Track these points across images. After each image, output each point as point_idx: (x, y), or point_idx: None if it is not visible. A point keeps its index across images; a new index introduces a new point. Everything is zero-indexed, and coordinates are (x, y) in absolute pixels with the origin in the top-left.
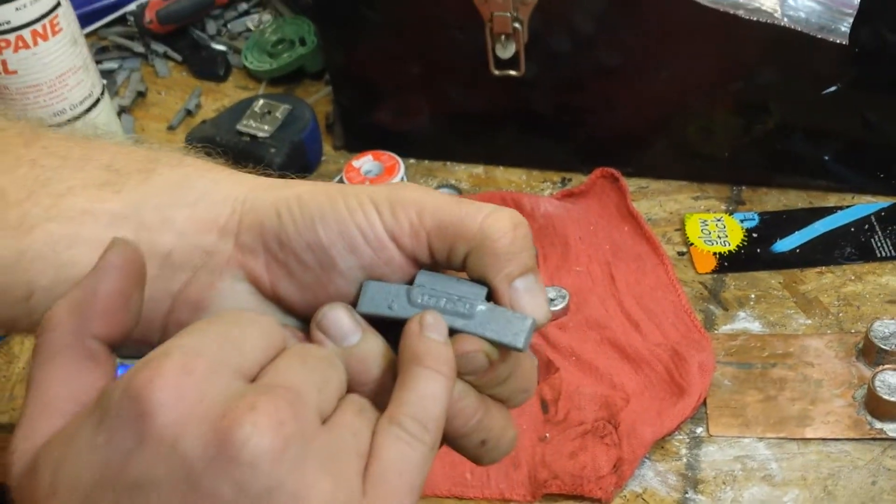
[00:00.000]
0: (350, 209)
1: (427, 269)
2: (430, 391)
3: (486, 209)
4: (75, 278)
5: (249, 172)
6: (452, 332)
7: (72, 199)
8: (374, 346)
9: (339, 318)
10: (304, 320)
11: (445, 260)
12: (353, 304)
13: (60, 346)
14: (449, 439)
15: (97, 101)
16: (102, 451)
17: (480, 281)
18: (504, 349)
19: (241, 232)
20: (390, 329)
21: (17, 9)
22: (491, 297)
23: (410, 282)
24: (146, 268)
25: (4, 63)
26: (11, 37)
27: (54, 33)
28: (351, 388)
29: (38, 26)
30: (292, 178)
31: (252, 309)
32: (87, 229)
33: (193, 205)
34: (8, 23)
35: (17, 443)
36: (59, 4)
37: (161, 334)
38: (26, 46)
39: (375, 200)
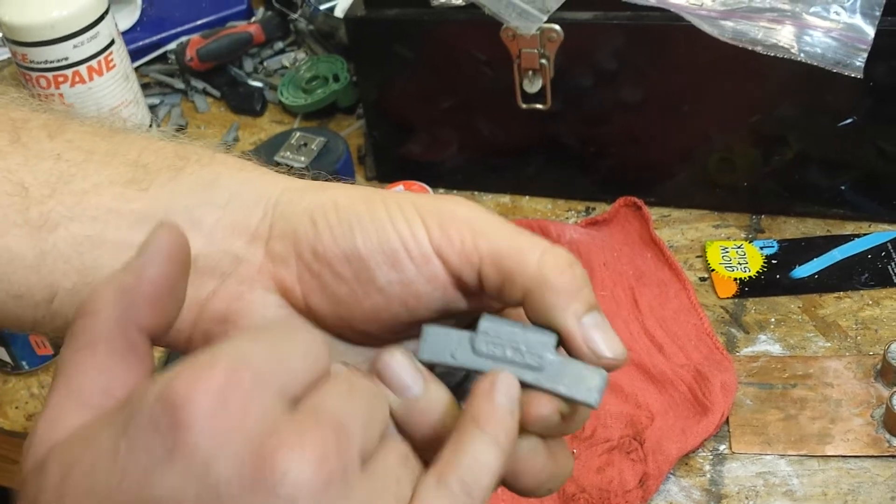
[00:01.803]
0: (393, 219)
1: (490, 314)
2: (485, 459)
3: (542, 245)
4: (99, 282)
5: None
6: (522, 384)
7: (96, 197)
8: (435, 399)
9: (400, 368)
10: (336, 335)
11: (496, 292)
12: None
13: (101, 333)
14: (514, 491)
15: None
16: (123, 460)
17: (543, 323)
18: (576, 404)
19: (273, 239)
20: (448, 375)
21: (74, 46)
22: (559, 344)
23: (471, 326)
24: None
25: (62, 97)
26: (69, 72)
27: (108, 69)
28: (398, 429)
29: (93, 62)
30: (327, 180)
31: (283, 322)
32: (112, 230)
33: (223, 206)
34: (66, 59)
35: (38, 430)
36: (113, 42)
37: (186, 345)
38: (82, 81)
39: (422, 212)
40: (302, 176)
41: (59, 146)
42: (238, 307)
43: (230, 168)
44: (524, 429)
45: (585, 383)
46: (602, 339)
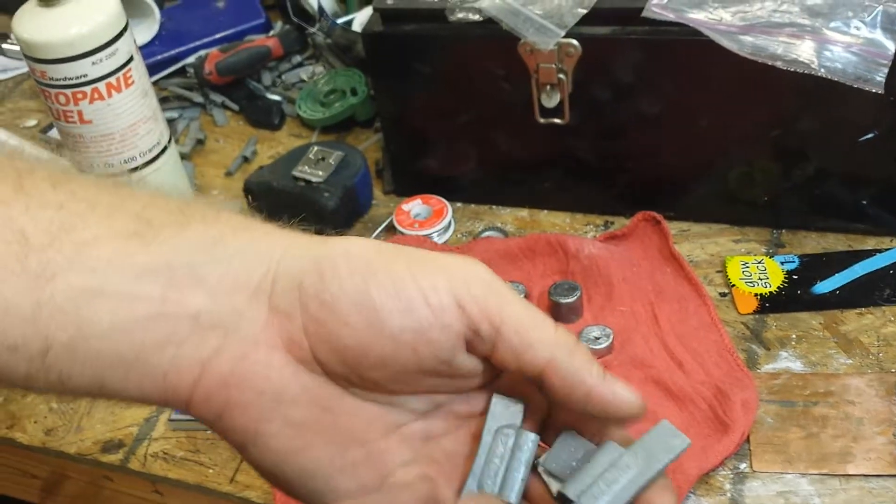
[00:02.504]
0: (413, 273)
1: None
2: None
3: (551, 319)
4: (97, 336)
5: (291, 228)
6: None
7: (97, 248)
8: None
9: None
10: (345, 383)
11: (512, 358)
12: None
13: None
14: None
15: (164, 148)
16: None
17: (568, 385)
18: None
19: (276, 294)
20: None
21: (93, 63)
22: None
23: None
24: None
25: (80, 114)
26: (88, 89)
27: (127, 86)
28: None
29: (112, 79)
30: (334, 235)
31: (288, 383)
32: (111, 283)
33: (227, 264)
34: (85, 76)
35: None
36: (132, 59)
37: (186, 406)
38: (101, 98)
39: (445, 266)
40: (306, 230)
41: (63, 196)
42: (241, 369)
43: (235, 227)
44: None
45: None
46: (623, 387)
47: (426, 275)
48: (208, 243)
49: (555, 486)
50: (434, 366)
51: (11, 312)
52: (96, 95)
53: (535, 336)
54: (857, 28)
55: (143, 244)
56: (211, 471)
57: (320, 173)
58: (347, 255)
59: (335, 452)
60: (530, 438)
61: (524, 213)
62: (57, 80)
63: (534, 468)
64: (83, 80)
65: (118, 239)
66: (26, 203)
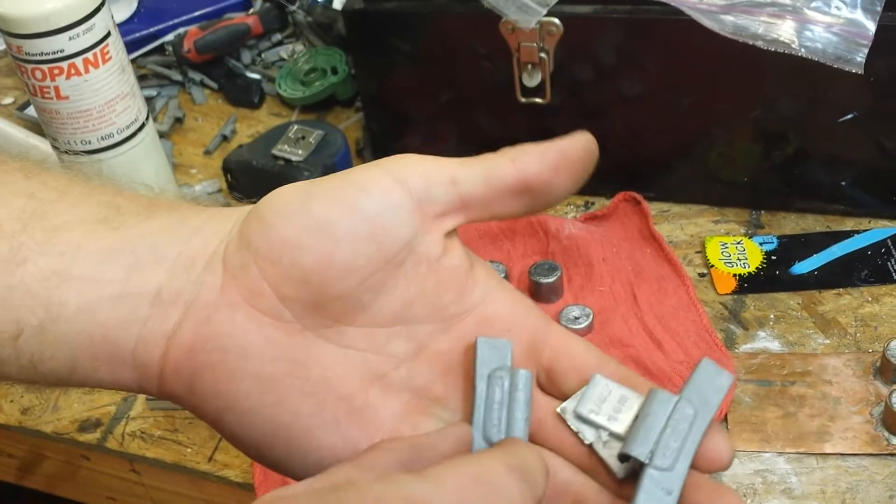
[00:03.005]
0: (344, 177)
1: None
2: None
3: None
4: (65, 318)
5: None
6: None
7: (67, 233)
8: None
9: None
10: (326, 319)
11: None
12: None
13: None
14: None
15: (142, 125)
16: None
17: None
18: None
19: (227, 256)
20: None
21: (70, 38)
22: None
23: None
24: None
25: (57, 89)
26: (65, 64)
27: (104, 62)
28: None
29: (89, 55)
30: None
31: (254, 338)
32: (79, 266)
33: (186, 241)
34: (62, 51)
35: None
36: (109, 34)
37: (159, 384)
38: (78, 74)
39: (376, 163)
40: None
41: (34, 186)
42: (204, 332)
43: (195, 210)
44: None
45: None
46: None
47: (359, 173)
48: (172, 225)
49: (589, 434)
50: (397, 252)
51: None
52: (73, 71)
53: (495, 182)
54: (838, 8)
55: (110, 229)
56: (189, 450)
57: (300, 152)
58: (278, 193)
59: (313, 406)
60: (524, 376)
61: None
62: (33, 55)
63: (558, 416)
64: (60, 55)
65: (87, 224)
66: None
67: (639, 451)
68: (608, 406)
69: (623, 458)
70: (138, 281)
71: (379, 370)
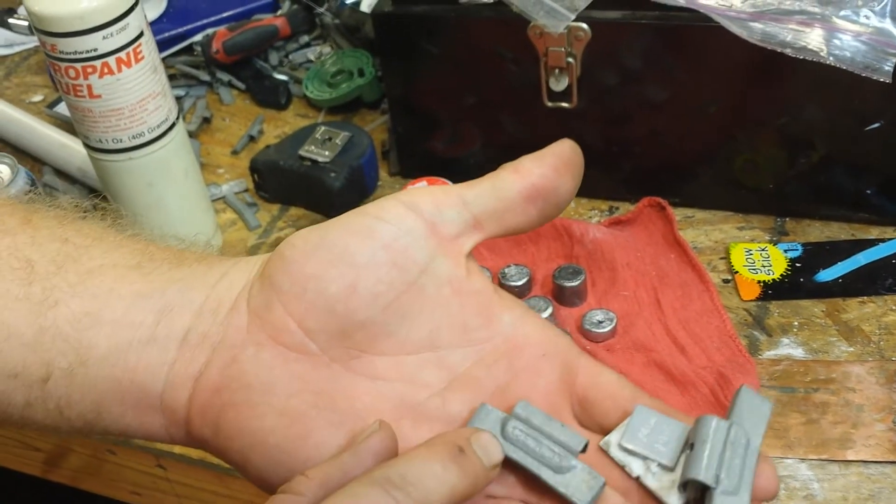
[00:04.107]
0: (359, 211)
1: (527, 403)
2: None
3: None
4: (94, 361)
5: None
6: (532, 476)
7: (100, 276)
8: None
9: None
10: (354, 350)
11: (492, 229)
12: None
13: None
14: None
15: (173, 125)
16: None
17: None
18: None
19: (252, 297)
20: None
21: (104, 37)
22: (586, 448)
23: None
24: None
25: (90, 88)
26: (98, 63)
27: (137, 61)
28: None
29: (122, 54)
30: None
31: (278, 374)
32: (109, 310)
33: (213, 286)
34: (95, 50)
35: None
36: (142, 34)
37: (186, 427)
38: (111, 73)
39: (389, 196)
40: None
41: (69, 232)
42: (231, 372)
43: (224, 258)
44: None
45: (587, 486)
46: None
47: (372, 206)
48: (200, 272)
49: (636, 467)
50: (418, 275)
51: (13, 338)
52: (106, 70)
53: (504, 193)
54: (867, 17)
55: (142, 274)
56: None
57: (327, 153)
58: (297, 234)
59: (342, 437)
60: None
61: None
62: (67, 53)
63: (600, 449)
64: (93, 54)
65: (119, 268)
66: (33, 235)
67: (706, 476)
68: (653, 437)
69: (682, 486)
70: (167, 324)
71: (412, 400)
